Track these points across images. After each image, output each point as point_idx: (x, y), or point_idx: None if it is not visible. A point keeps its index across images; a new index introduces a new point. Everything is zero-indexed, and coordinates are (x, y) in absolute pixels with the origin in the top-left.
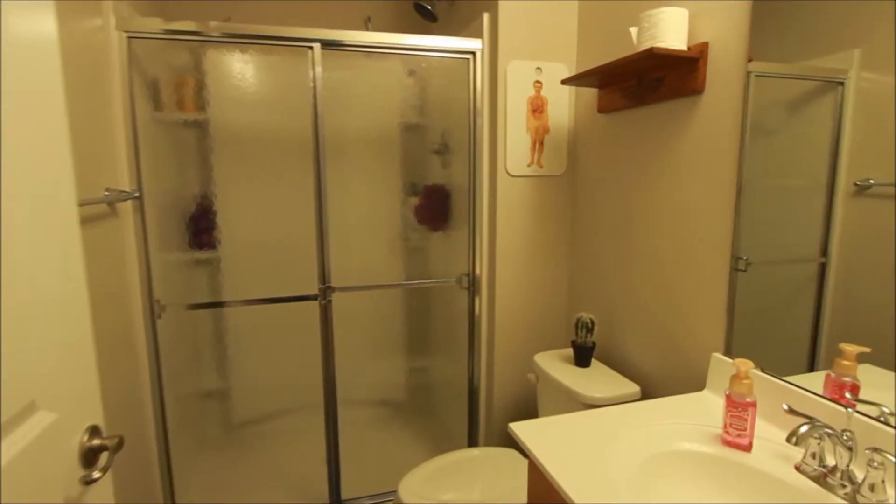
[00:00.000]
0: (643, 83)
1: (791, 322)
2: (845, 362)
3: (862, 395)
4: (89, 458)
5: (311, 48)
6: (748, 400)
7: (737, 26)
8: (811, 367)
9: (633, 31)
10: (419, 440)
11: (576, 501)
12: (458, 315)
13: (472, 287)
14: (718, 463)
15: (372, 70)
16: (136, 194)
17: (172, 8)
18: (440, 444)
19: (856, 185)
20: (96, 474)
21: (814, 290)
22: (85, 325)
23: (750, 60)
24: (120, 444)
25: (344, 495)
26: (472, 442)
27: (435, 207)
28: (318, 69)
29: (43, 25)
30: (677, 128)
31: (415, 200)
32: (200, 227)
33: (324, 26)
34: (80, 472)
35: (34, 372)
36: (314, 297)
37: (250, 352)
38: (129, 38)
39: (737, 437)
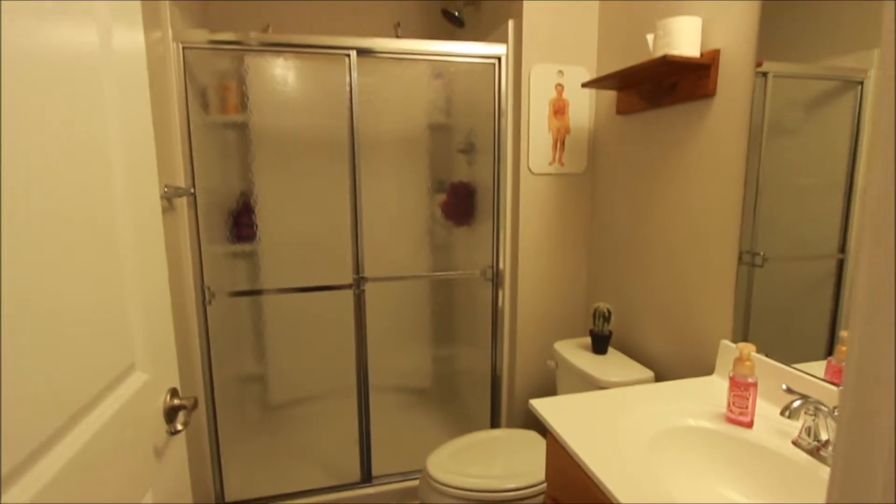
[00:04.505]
0: (659, 87)
1: (809, 314)
2: (844, 348)
3: None
4: (170, 415)
5: (347, 55)
6: (749, 380)
7: (746, 33)
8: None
9: (650, 37)
10: (444, 424)
11: (590, 467)
12: (482, 306)
13: (496, 279)
14: (721, 438)
15: (402, 74)
16: (192, 191)
17: (214, 10)
18: (464, 428)
19: None
20: (179, 426)
21: (832, 284)
22: (167, 298)
23: (759, 65)
24: (195, 405)
25: (374, 473)
26: (495, 425)
27: (460, 204)
28: (355, 74)
29: (137, 40)
30: (689, 129)
31: (441, 197)
32: (242, 222)
33: (356, 30)
34: (165, 426)
35: (135, 338)
36: (349, 287)
37: (287, 338)
38: (184, 48)
39: (739, 414)
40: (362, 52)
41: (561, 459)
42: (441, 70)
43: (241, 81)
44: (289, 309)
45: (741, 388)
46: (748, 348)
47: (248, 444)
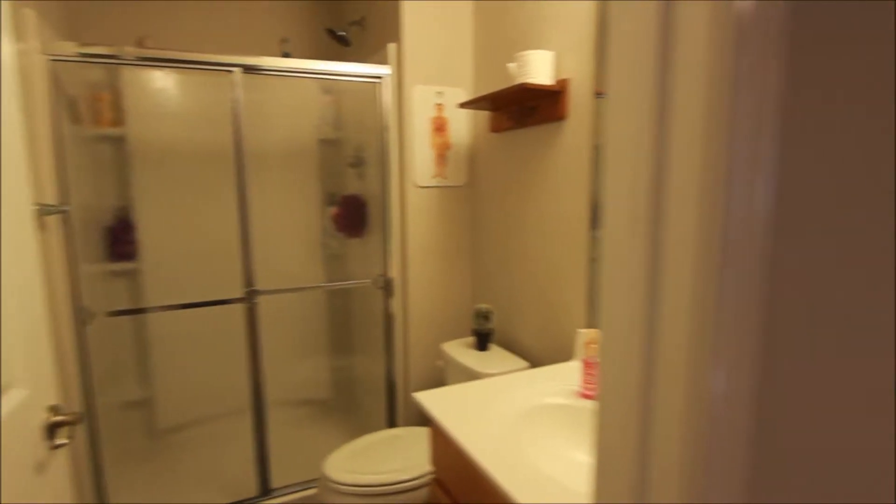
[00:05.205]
0: (523, 109)
1: None
2: None
3: None
4: (52, 431)
5: (231, 72)
6: (596, 360)
7: (588, 65)
8: None
9: (512, 66)
10: (346, 430)
11: (463, 444)
12: (376, 313)
13: (387, 288)
14: (575, 411)
15: (291, 90)
16: (66, 208)
17: (86, 18)
18: (365, 432)
19: None
20: (61, 441)
21: None
22: (42, 318)
23: (601, 92)
24: (79, 419)
25: (274, 486)
26: (393, 426)
27: (352, 215)
28: (239, 90)
29: (4, 51)
30: (548, 147)
31: (333, 209)
32: (122, 238)
33: (242, 43)
34: (47, 441)
35: (11, 354)
36: (240, 301)
37: (176, 357)
38: (52, 60)
39: (590, 390)
40: (248, 69)
41: (442, 443)
42: (330, 86)
43: (118, 94)
44: (177, 327)
45: (590, 367)
46: (593, 332)
47: (137, 471)
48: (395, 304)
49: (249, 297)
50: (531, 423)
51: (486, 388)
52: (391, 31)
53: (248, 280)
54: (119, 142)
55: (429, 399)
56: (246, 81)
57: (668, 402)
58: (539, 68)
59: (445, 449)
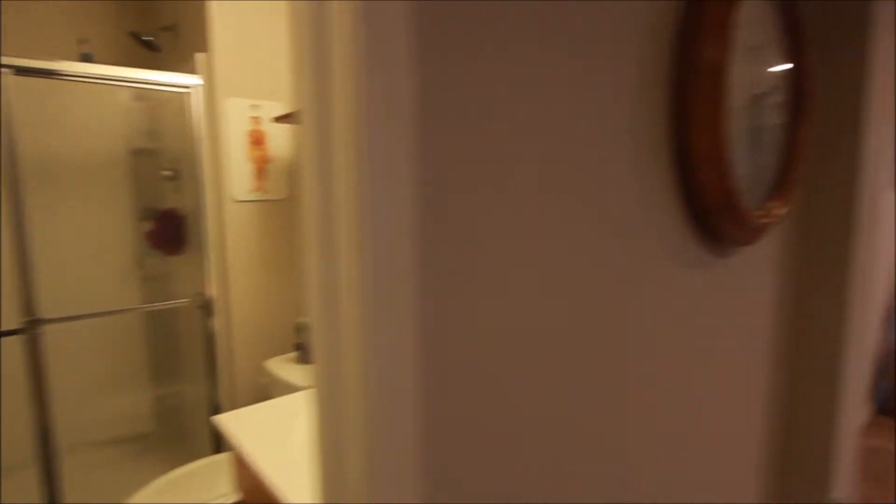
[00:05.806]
0: None
1: None
2: None
3: None
4: None
5: None
6: None
7: None
8: None
9: None
10: (168, 466)
11: (258, 464)
12: (198, 335)
13: (207, 307)
14: None
15: (93, 96)
16: None
17: None
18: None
19: None
20: None
21: None
22: None
23: None
24: None
25: None
26: (220, 452)
27: (169, 232)
28: (9, 94)
29: None
30: None
31: (148, 225)
32: None
33: (37, 44)
34: None
35: None
36: (16, 332)
37: None
38: None
39: None
40: (22, 72)
41: (243, 467)
42: (142, 94)
43: None
44: None
45: None
46: None
47: None
48: (217, 323)
49: (30, 327)
50: None
51: (294, 403)
52: (202, 39)
53: (29, 308)
54: None
55: (230, 420)
56: (34, 87)
57: (349, 370)
58: None
59: (247, 472)
